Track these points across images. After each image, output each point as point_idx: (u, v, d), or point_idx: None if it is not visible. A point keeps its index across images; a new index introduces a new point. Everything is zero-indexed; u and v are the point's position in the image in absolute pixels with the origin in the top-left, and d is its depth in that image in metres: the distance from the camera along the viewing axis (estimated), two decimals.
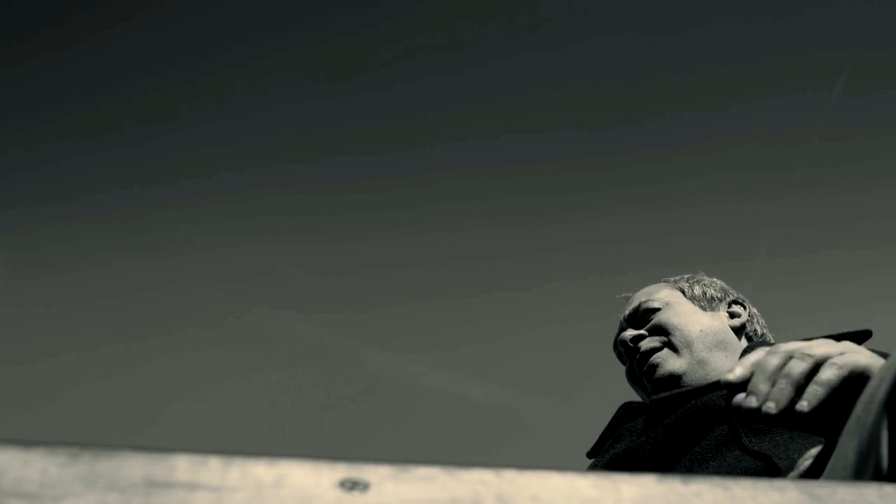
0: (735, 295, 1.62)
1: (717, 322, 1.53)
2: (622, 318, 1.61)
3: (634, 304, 1.59)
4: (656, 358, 1.48)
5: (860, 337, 1.35)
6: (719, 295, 1.60)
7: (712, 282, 1.63)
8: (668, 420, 1.34)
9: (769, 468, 1.17)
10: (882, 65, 5.11)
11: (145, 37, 5.49)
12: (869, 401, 0.66)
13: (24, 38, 5.34)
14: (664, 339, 1.50)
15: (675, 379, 1.44)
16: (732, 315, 1.57)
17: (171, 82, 5.55)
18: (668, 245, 5.27)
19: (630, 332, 1.54)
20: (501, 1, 5.69)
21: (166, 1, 5.56)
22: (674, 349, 1.48)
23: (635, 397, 1.60)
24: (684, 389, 1.39)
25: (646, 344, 1.51)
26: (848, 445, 0.66)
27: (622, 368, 1.64)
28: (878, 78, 5.15)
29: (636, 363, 1.52)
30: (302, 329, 5.82)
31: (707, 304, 1.57)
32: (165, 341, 5.71)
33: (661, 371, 1.46)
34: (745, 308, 1.59)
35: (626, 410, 1.46)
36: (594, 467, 1.37)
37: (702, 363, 1.45)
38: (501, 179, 5.69)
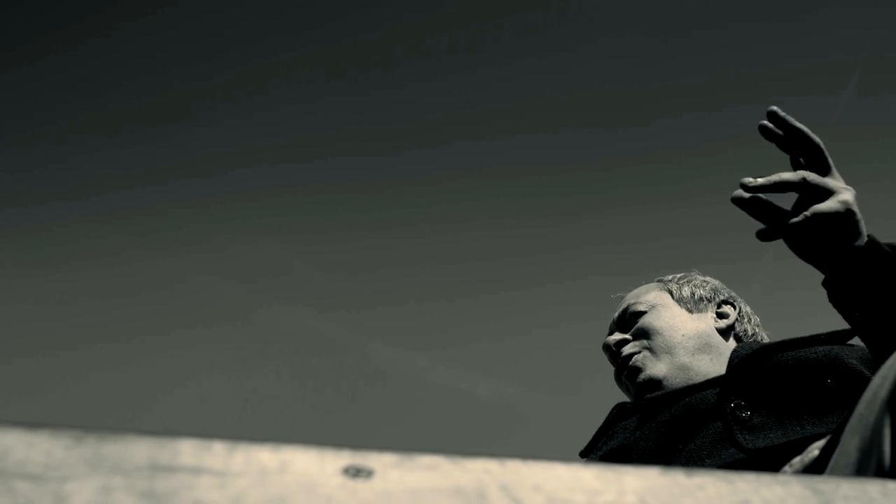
0: (726, 294, 1.59)
1: (702, 324, 1.52)
2: (612, 321, 1.62)
3: (623, 306, 1.60)
4: (635, 362, 1.49)
5: (847, 335, 1.35)
6: (708, 295, 1.57)
7: (703, 282, 1.61)
8: (661, 417, 1.33)
9: (765, 466, 1.17)
10: (894, 65, 5.10)
11: (156, 36, 5.51)
12: (871, 399, 0.66)
13: (30, 38, 5.36)
14: (645, 343, 1.50)
15: (655, 383, 1.44)
16: (721, 315, 1.55)
17: (186, 80, 5.58)
18: (674, 246, 5.26)
19: (613, 337, 1.55)
20: (508, 2, 5.70)
21: (176, 0, 5.58)
22: (653, 353, 1.48)
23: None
24: (678, 387, 1.38)
25: (627, 349, 1.51)
26: (850, 443, 0.66)
27: None
28: (890, 78, 5.13)
29: (618, 367, 1.54)
30: (314, 323, 5.84)
31: (694, 305, 1.55)
32: (179, 334, 5.76)
33: (641, 376, 1.46)
34: (734, 307, 1.57)
35: (619, 411, 1.46)
36: None
37: (683, 368, 1.44)
38: (509, 179, 5.70)
